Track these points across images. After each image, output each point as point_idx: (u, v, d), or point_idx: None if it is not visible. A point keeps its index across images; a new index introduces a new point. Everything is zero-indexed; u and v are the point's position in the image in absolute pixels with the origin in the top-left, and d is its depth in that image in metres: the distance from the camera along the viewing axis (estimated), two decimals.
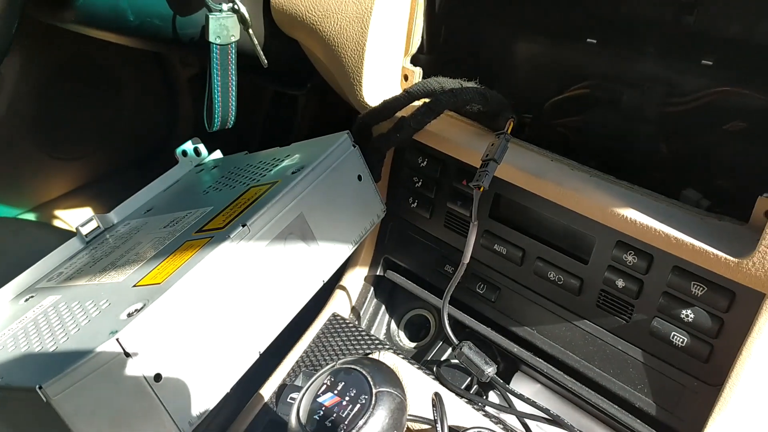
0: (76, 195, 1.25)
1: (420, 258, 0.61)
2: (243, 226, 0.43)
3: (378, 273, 0.64)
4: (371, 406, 0.36)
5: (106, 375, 0.35)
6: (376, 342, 0.57)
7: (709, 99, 0.48)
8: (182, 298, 0.39)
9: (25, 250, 0.81)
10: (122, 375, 0.36)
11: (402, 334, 0.64)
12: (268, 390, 0.55)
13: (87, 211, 1.25)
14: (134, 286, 0.42)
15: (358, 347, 0.57)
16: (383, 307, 0.65)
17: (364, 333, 0.58)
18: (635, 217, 0.44)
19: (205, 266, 0.40)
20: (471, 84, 0.53)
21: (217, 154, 0.66)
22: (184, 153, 0.63)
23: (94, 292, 0.43)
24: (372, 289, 0.64)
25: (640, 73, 0.50)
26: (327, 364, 0.56)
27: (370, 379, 0.38)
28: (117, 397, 0.36)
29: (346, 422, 0.36)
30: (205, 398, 0.40)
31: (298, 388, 0.54)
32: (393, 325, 0.64)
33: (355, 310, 0.64)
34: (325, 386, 0.38)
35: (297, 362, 0.57)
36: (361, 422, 0.36)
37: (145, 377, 0.37)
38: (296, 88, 0.81)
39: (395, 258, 0.63)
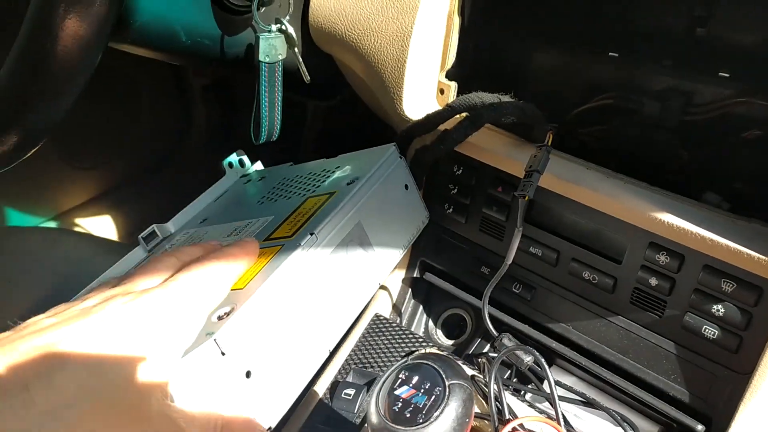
0: (94, 203, 1.28)
1: (456, 260, 0.65)
2: (311, 234, 0.46)
3: (415, 275, 0.68)
4: (446, 397, 0.40)
5: (204, 373, 0.39)
6: (420, 340, 0.61)
7: (727, 109, 0.51)
8: (266, 301, 0.42)
9: (63, 260, 0.84)
10: (218, 373, 0.40)
11: (440, 332, 0.68)
12: (321, 387, 0.59)
13: (106, 219, 1.28)
14: None
15: (402, 344, 0.61)
16: (421, 307, 0.69)
17: (407, 331, 0.62)
18: (671, 220, 0.48)
19: (283, 272, 0.43)
20: (507, 97, 0.56)
21: (259, 165, 0.69)
22: (231, 164, 0.67)
23: None
24: (410, 290, 0.68)
25: (661, 84, 0.54)
26: (375, 361, 0.60)
27: (442, 372, 0.41)
28: (213, 393, 0.40)
29: (423, 412, 0.40)
30: (287, 393, 0.44)
31: (352, 385, 0.58)
32: (431, 324, 0.68)
33: (395, 311, 0.67)
34: (400, 380, 0.42)
35: (346, 360, 0.61)
36: (437, 412, 0.40)
37: (238, 374, 0.40)
38: (326, 100, 0.85)
39: (431, 261, 0.67)
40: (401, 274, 0.68)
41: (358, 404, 0.56)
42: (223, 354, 0.40)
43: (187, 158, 1.38)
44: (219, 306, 0.42)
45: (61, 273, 0.78)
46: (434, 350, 0.58)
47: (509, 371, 0.59)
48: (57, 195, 1.23)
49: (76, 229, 1.23)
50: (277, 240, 0.48)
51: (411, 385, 0.42)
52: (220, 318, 0.41)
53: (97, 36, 0.43)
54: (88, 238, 0.88)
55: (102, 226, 1.26)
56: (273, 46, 0.60)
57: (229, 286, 0.43)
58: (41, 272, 0.82)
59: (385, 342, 0.62)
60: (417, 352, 0.46)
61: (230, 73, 1.24)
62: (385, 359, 0.60)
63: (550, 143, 0.54)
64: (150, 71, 1.28)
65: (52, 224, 1.22)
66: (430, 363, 0.42)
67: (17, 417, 0.31)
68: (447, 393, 0.40)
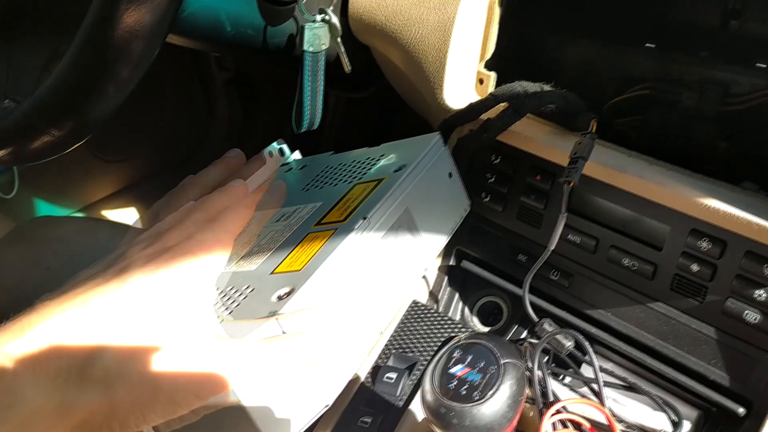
0: (121, 195, 1.29)
1: (493, 248, 0.66)
2: (364, 218, 0.47)
3: (451, 263, 0.69)
4: (500, 375, 0.41)
5: None
6: (459, 326, 0.62)
7: (764, 99, 0.52)
8: (323, 282, 0.43)
9: (100, 249, 0.85)
10: None
11: (475, 319, 0.69)
12: (363, 371, 0.60)
13: (132, 211, 1.29)
14: (272, 273, 0.46)
15: (441, 330, 0.62)
16: (457, 294, 0.70)
17: (445, 317, 0.63)
18: (715, 205, 0.49)
19: (338, 254, 0.45)
20: (549, 87, 0.57)
21: (297, 155, 0.70)
22: (271, 153, 0.67)
23: (230, 280, 0.48)
24: (446, 278, 0.69)
25: (698, 75, 0.55)
26: (414, 346, 0.61)
27: (496, 351, 0.42)
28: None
29: (479, 390, 0.41)
30: (343, 371, 0.45)
31: (393, 369, 0.59)
32: (467, 311, 0.69)
33: (432, 297, 0.68)
34: (454, 359, 0.43)
35: (386, 345, 0.62)
36: (492, 390, 0.41)
37: None
38: (360, 92, 0.86)
39: (467, 249, 0.68)
40: (438, 261, 0.69)
41: (400, 387, 0.57)
42: (284, 333, 0.41)
43: (211, 151, 1.40)
44: (278, 287, 0.43)
45: (92, 261, 0.80)
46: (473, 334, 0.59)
47: (547, 357, 0.60)
48: (84, 187, 1.25)
49: (107, 219, 1.24)
50: (330, 224, 0.49)
51: (465, 363, 0.43)
52: (280, 298, 0.42)
53: (159, 27, 0.44)
54: (124, 227, 0.89)
55: (128, 217, 1.28)
56: (317, 36, 0.61)
57: (254, 205, 0.45)
58: (79, 260, 0.83)
59: (424, 327, 0.63)
60: (468, 332, 0.47)
61: (258, 66, 1.25)
62: (424, 344, 0.61)
63: (594, 130, 0.54)
64: (173, 66, 1.29)
65: (80, 215, 1.23)
66: (483, 342, 0.43)
67: None
68: (502, 371, 0.41)
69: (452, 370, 0.43)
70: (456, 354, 0.43)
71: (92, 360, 0.33)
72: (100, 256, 0.83)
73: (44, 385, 0.32)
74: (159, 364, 0.34)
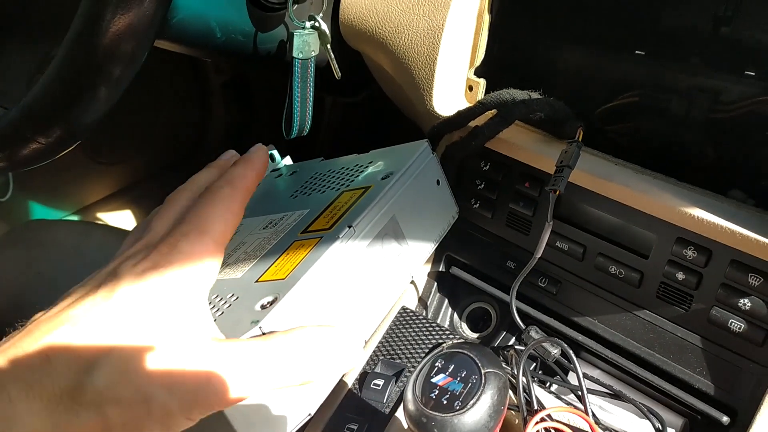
0: (116, 198, 1.30)
1: (482, 255, 0.66)
2: (349, 227, 0.47)
3: (440, 269, 0.69)
4: (482, 385, 0.41)
5: None
6: (447, 332, 0.62)
7: (753, 107, 0.52)
8: (308, 291, 0.43)
9: (92, 252, 0.85)
10: None
11: (464, 325, 0.69)
12: (350, 378, 0.60)
13: (128, 214, 1.29)
14: (256, 281, 0.46)
15: (429, 336, 0.62)
16: (446, 300, 0.70)
17: (433, 324, 0.63)
18: (700, 215, 0.49)
19: (323, 263, 0.45)
20: (537, 95, 0.57)
21: (288, 160, 0.70)
22: None
23: (216, 288, 0.48)
24: (435, 284, 0.69)
25: (687, 82, 0.55)
26: (402, 352, 0.61)
27: (477, 360, 0.42)
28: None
29: (460, 399, 0.41)
30: (326, 381, 0.45)
31: (380, 375, 0.59)
32: (456, 317, 0.69)
33: (421, 304, 0.68)
34: (437, 368, 0.43)
35: (374, 352, 0.62)
36: (473, 400, 0.41)
37: None
38: (349, 97, 0.86)
39: (457, 255, 0.68)
40: (427, 268, 0.69)
41: (387, 394, 0.57)
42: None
43: (206, 155, 1.40)
44: (262, 296, 0.43)
45: (91, 265, 0.80)
46: (461, 342, 0.59)
47: (534, 363, 0.60)
48: (80, 189, 1.25)
49: (101, 223, 1.25)
50: (316, 232, 0.49)
51: (447, 373, 0.43)
52: (263, 307, 0.42)
53: (145, 34, 0.44)
54: (117, 231, 0.89)
55: (123, 220, 1.28)
56: (306, 43, 0.61)
57: (242, 209, 0.42)
58: (71, 264, 0.84)
59: (412, 334, 0.63)
60: (451, 342, 0.47)
61: (250, 71, 1.26)
62: (413, 350, 0.61)
63: (580, 139, 0.55)
64: (170, 69, 1.30)
65: (75, 218, 1.24)
66: (465, 351, 0.43)
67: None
68: (483, 381, 0.41)
69: (434, 380, 0.43)
70: (438, 363, 0.43)
71: (82, 381, 0.33)
72: (92, 259, 0.84)
73: (38, 411, 0.32)
74: (150, 382, 0.34)
